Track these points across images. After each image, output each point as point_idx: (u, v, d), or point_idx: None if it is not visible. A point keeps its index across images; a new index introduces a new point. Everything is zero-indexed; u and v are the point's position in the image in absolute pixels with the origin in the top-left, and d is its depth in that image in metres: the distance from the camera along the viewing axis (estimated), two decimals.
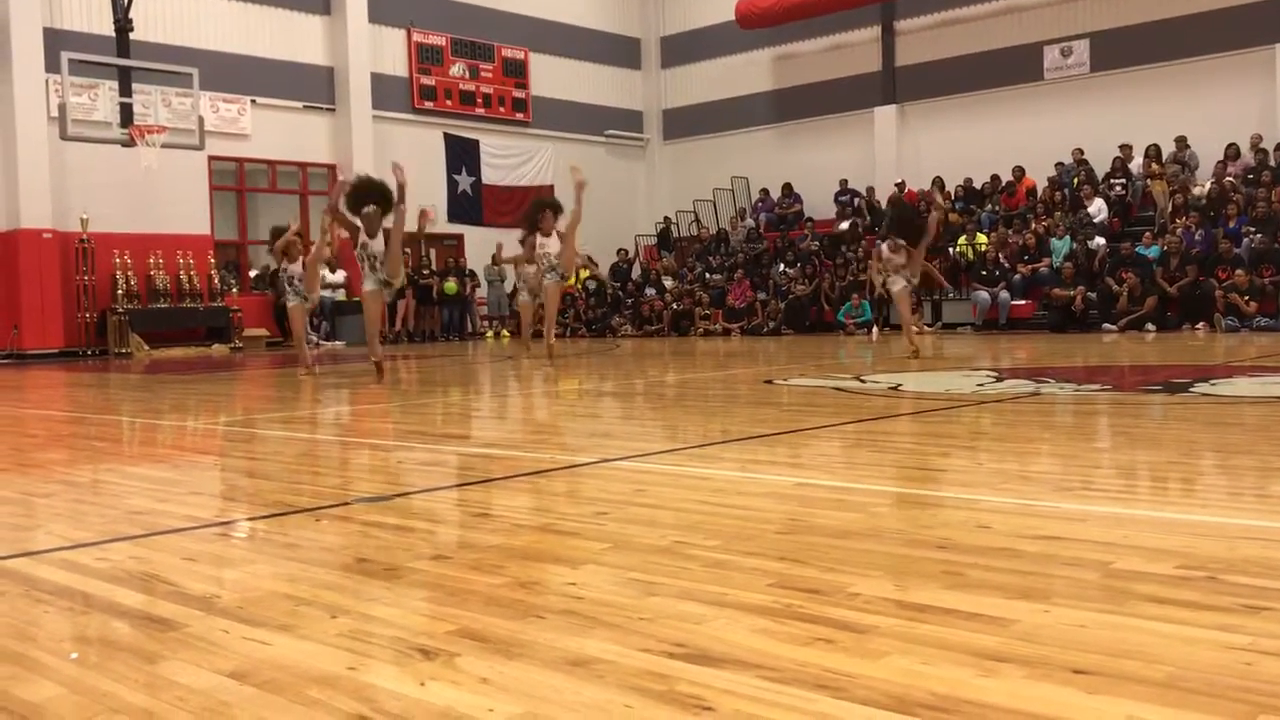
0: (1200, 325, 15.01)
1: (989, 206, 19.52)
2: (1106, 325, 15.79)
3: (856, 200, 21.57)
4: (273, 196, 20.77)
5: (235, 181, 20.13)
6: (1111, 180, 18.38)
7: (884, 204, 20.90)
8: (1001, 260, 17.67)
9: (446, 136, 22.64)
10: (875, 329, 17.78)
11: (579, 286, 21.14)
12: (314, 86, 20.63)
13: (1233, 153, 17.37)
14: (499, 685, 1.82)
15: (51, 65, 16.49)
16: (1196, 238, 16.12)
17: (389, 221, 9.37)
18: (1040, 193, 19.02)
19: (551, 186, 24.01)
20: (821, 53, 23.26)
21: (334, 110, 20.90)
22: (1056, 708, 1.64)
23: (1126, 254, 16.28)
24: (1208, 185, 17.17)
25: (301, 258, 10.90)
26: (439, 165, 22.54)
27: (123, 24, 16.25)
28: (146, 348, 17.50)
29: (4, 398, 9.76)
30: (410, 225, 10.07)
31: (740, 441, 5.02)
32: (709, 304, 20.27)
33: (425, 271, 21.27)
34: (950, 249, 18.62)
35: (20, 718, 1.76)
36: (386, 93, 21.45)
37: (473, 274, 22.14)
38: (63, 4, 17.62)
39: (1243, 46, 17.90)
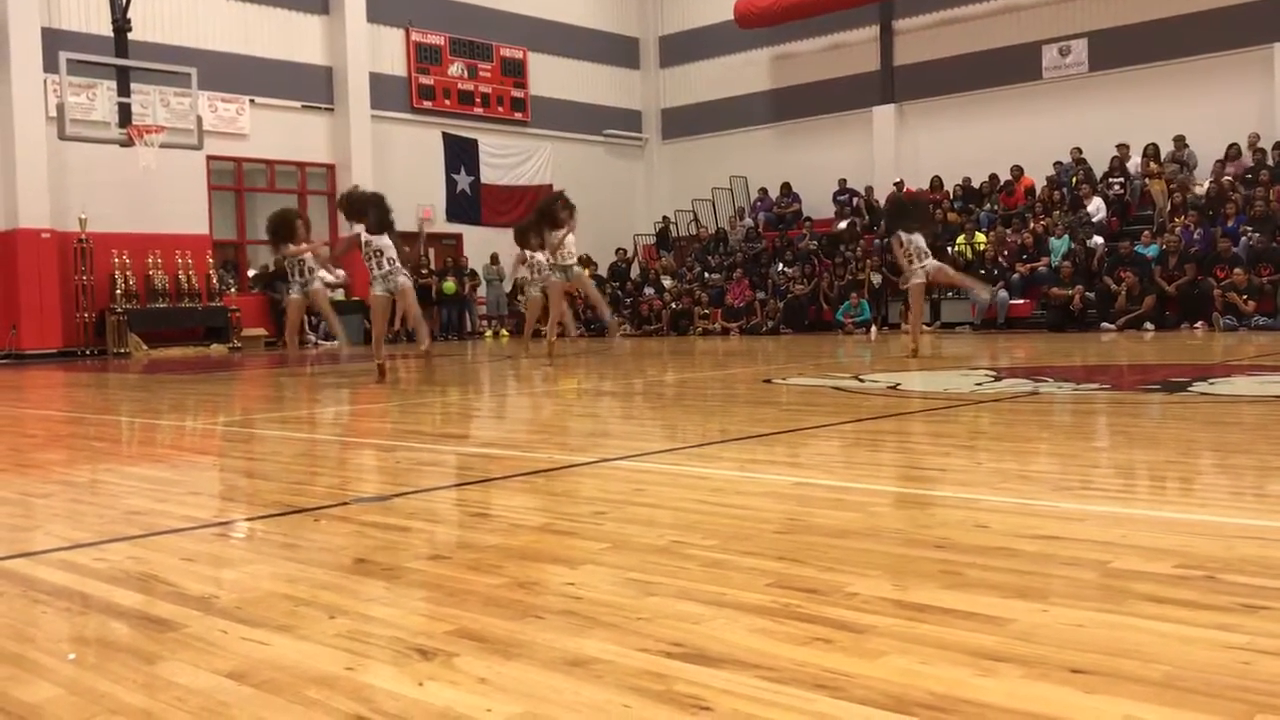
0: (1198, 324, 15.02)
1: (987, 206, 19.53)
2: (1105, 324, 15.79)
3: (855, 200, 21.58)
4: (271, 196, 20.73)
5: (234, 181, 20.12)
6: (1110, 180, 18.39)
7: (883, 204, 20.92)
8: (1000, 259, 17.67)
9: (445, 136, 22.64)
10: (874, 328, 17.79)
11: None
12: (312, 86, 20.63)
13: (1234, 153, 17.38)
14: (497, 685, 1.82)
15: (50, 65, 16.48)
16: (1195, 237, 16.12)
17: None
18: (1039, 192, 19.03)
19: (550, 186, 24.03)
20: (820, 52, 23.26)
21: (332, 110, 20.89)
22: (1054, 707, 1.64)
23: (1125, 253, 16.29)
24: (1206, 184, 17.18)
25: (314, 250, 10.82)
26: (437, 165, 22.54)
27: (121, 24, 16.25)
28: (145, 347, 17.49)
29: (2, 398, 9.75)
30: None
31: (739, 441, 5.02)
32: (708, 303, 20.28)
33: (424, 271, 21.26)
34: (949, 248, 18.62)
35: (18, 719, 1.76)
36: (385, 92, 21.44)
37: (473, 273, 22.15)
38: (61, 4, 17.61)
39: (1240, 46, 17.91)
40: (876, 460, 4.48)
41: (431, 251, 22.42)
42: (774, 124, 24.01)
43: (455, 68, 22.76)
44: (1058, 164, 19.10)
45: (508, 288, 22.49)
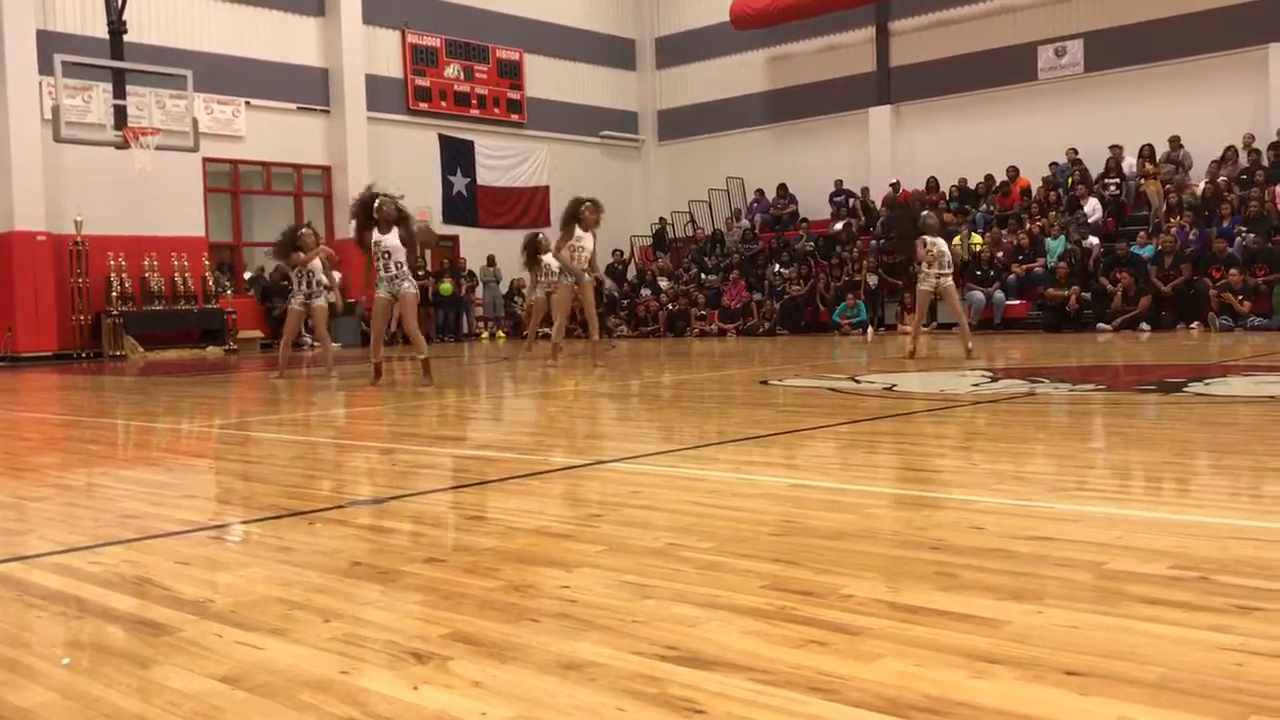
0: (1194, 325, 15.04)
1: (983, 206, 19.55)
2: (1101, 325, 15.81)
3: (851, 201, 21.59)
4: (267, 198, 20.76)
5: (230, 183, 20.10)
6: (1106, 180, 18.41)
7: (879, 205, 20.95)
8: (996, 260, 17.69)
9: (441, 138, 22.63)
10: (870, 329, 17.81)
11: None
12: (308, 88, 20.62)
13: (1231, 155, 17.41)
14: (492, 689, 1.81)
15: (45, 67, 16.46)
16: (1190, 237, 16.15)
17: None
18: (1035, 193, 19.06)
19: (547, 188, 24.04)
20: (816, 53, 23.27)
21: (328, 112, 20.88)
22: (1049, 709, 1.64)
23: (1121, 254, 16.31)
24: (1202, 185, 17.21)
25: (320, 256, 10.85)
26: (434, 166, 22.53)
27: (116, 26, 16.23)
28: (141, 350, 17.47)
29: None
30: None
31: (735, 443, 5.02)
32: (704, 304, 20.28)
33: (420, 273, 21.24)
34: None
35: None
36: (381, 94, 21.44)
37: (471, 275, 22.14)
38: (56, 6, 17.59)
39: (1235, 46, 17.94)
40: (872, 462, 4.48)
41: (428, 253, 22.40)
42: (770, 125, 24.03)
43: (451, 69, 22.75)
44: (1053, 165, 19.12)
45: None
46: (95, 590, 2.60)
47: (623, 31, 25.96)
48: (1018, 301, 17.31)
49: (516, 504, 3.66)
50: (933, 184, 20.44)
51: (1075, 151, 18.95)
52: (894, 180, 21.13)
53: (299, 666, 1.96)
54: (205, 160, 18.78)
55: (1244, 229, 15.79)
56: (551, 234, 14.15)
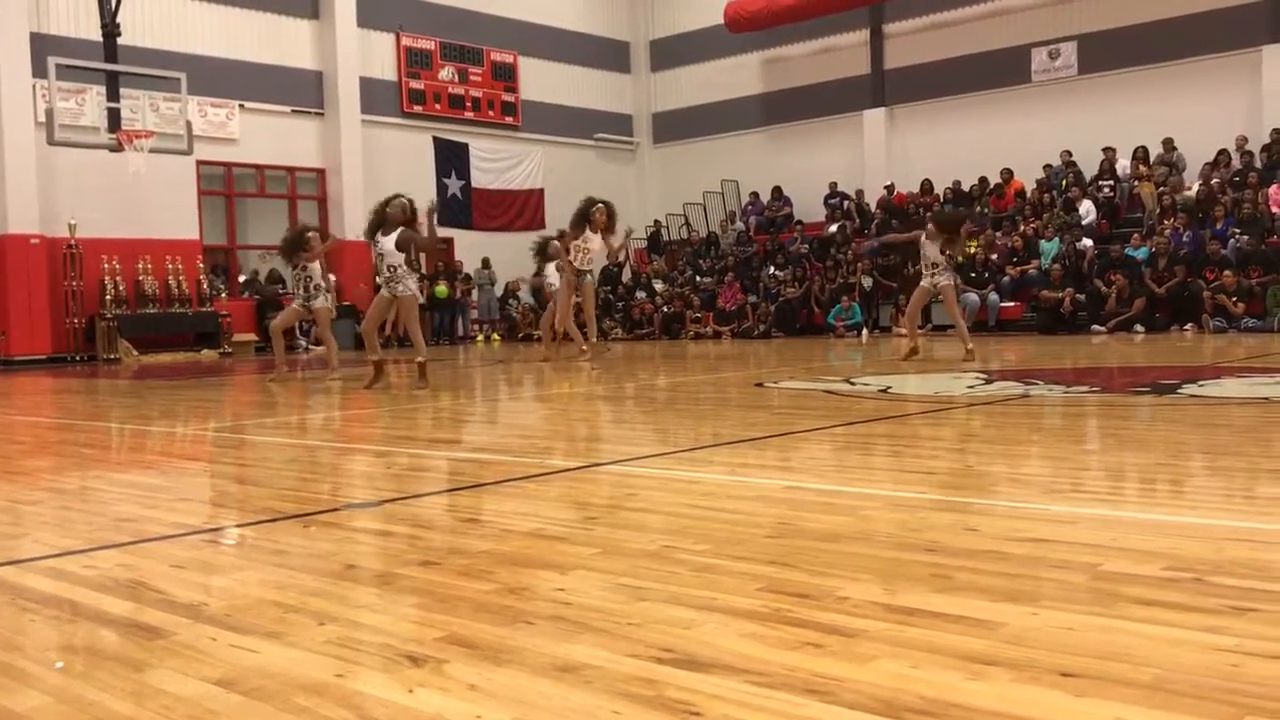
0: (1188, 326, 15.07)
1: (978, 208, 19.57)
2: (1095, 327, 15.83)
3: (846, 203, 21.61)
4: (261, 201, 20.73)
5: (224, 186, 20.07)
6: (1100, 182, 18.45)
7: (874, 207, 20.97)
8: (990, 262, 17.72)
9: (436, 140, 22.62)
10: (865, 331, 17.83)
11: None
12: (302, 91, 20.60)
13: (1224, 159, 17.45)
14: (487, 692, 1.81)
15: (39, 70, 16.43)
16: (1184, 239, 16.18)
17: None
18: (1029, 195, 19.09)
19: (542, 190, 24.04)
20: (810, 56, 23.30)
21: (323, 114, 20.86)
22: (1044, 710, 1.65)
23: (1115, 255, 16.34)
24: (1195, 187, 17.25)
25: (320, 260, 10.83)
26: (428, 169, 22.50)
27: (110, 29, 16.20)
28: (135, 353, 17.43)
29: None
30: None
31: (730, 445, 5.02)
32: (699, 307, 20.29)
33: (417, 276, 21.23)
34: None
35: None
36: (375, 97, 21.42)
37: (467, 278, 22.13)
38: (49, 8, 17.55)
39: (1229, 49, 17.99)
40: (867, 464, 4.48)
41: (422, 256, 22.37)
42: (765, 128, 24.04)
43: (446, 72, 22.74)
44: (1048, 167, 19.15)
45: (499, 291, 22.53)
46: (89, 594, 2.59)
47: (617, 34, 25.97)
48: (1012, 303, 17.34)
49: (512, 507, 3.66)
50: (927, 186, 20.47)
51: (1069, 154, 18.98)
52: (889, 183, 21.15)
53: (294, 670, 1.96)
54: (199, 163, 18.75)
55: (1238, 231, 15.83)
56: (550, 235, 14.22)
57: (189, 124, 16.93)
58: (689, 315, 20.21)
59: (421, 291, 10.56)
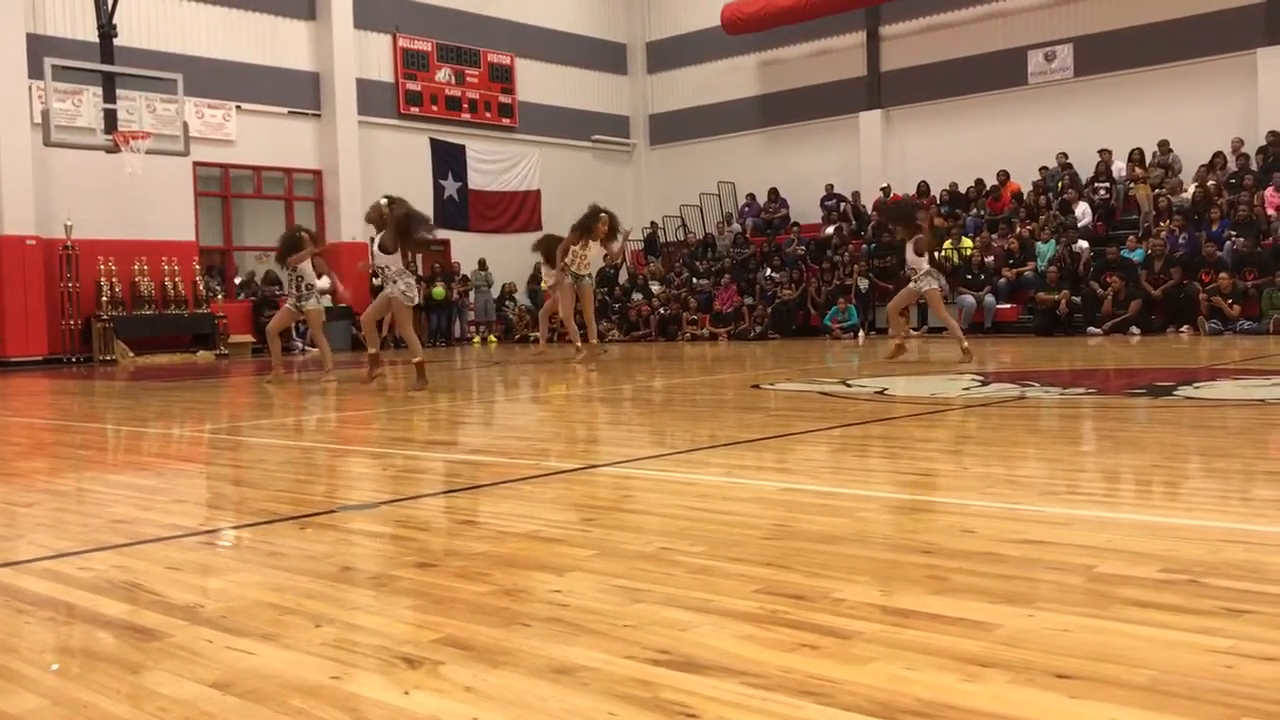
0: (1184, 328, 15.09)
1: (974, 211, 19.60)
2: (1091, 328, 15.85)
3: (842, 205, 21.64)
4: (258, 202, 20.72)
5: (220, 187, 20.06)
6: (1095, 184, 18.48)
7: (870, 209, 20.99)
8: (987, 264, 17.74)
9: (432, 142, 22.61)
10: (861, 333, 17.84)
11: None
12: (299, 92, 20.59)
13: (1220, 162, 17.48)
14: (483, 694, 1.81)
15: (35, 71, 16.41)
16: (1180, 241, 16.21)
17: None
18: (1025, 196, 19.11)
19: (538, 191, 24.04)
20: (807, 58, 23.32)
21: (319, 116, 20.85)
22: (1040, 712, 1.65)
23: (1111, 257, 16.36)
24: (1192, 189, 17.28)
25: (313, 261, 10.83)
26: (425, 171, 22.50)
27: (106, 29, 16.18)
28: (131, 354, 17.42)
29: None
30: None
31: (727, 447, 5.02)
32: (696, 309, 20.30)
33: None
34: (936, 253, 18.68)
35: None
36: (372, 98, 21.42)
37: (465, 279, 22.12)
38: (46, 9, 17.54)
39: (1224, 51, 18.03)
40: (864, 466, 4.48)
41: (419, 258, 22.37)
42: (761, 129, 24.06)
43: (443, 73, 22.74)
44: (1044, 169, 19.18)
45: (495, 293, 22.53)
46: (85, 595, 2.59)
47: (614, 36, 25.98)
48: (1008, 305, 17.36)
49: (508, 508, 3.66)
50: (923, 188, 20.49)
51: (1065, 156, 19.01)
52: (885, 184, 21.17)
53: (290, 672, 1.95)
54: (196, 164, 18.74)
55: (1233, 233, 15.86)
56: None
57: (185, 125, 16.91)
58: (685, 317, 20.22)
59: (420, 294, 10.54)
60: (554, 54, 24.56)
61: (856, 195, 21.54)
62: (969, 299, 17.40)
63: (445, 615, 2.29)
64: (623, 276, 22.93)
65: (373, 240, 9.22)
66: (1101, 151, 18.50)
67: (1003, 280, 17.45)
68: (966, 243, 18.56)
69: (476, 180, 23.31)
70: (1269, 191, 16.27)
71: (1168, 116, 18.31)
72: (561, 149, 24.58)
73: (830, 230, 20.81)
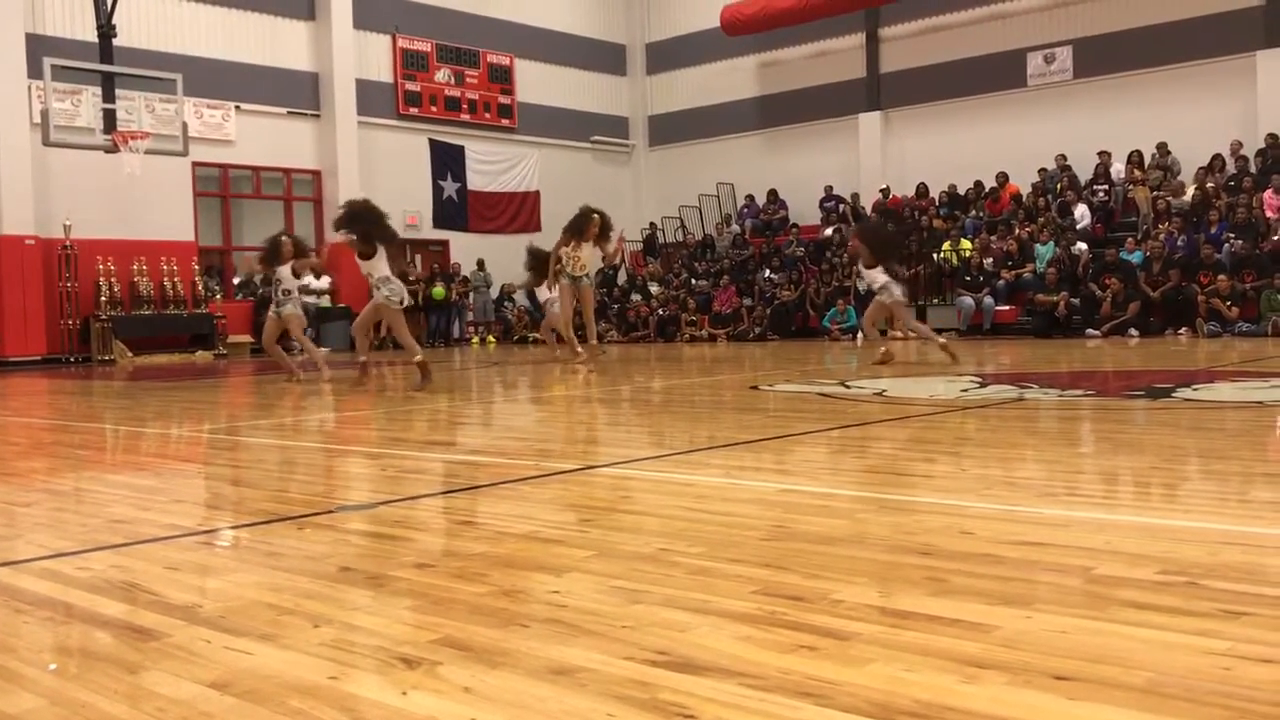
0: (1183, 330, 15.10)
1: (973, 212, 19.61)
2: (1090, 330, 15.86)
3: (841, 206, 21.64)
4: (257, 203, 20.72)
5: (219, 187, 20.06)
6: (1094, 186, 18.49)
7: (869, 210, 21.00)
8: (985, 266, 17.74)
9: (432, 142, 22.62)
10: (860, 334, 17.82)
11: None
12: (299, 92, 20.59)
13: (1219, 164, 17.49)
14: (482, 694, 1.81)
15: (34, 71, 16.41)
16: (1179, 243, 16.22)
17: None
18: (1024, 198, 19.12)
19: (537, 192, 24.04)
20: (806, 59, 23.33)
21: (319, 116, 20.86)
22: (1038, 714, 1.65)
23: (1110, 259, 16.37)
24: (1191, 191, 17.29)
25: (291, 263, 10.83)
26: (424, 171, 22.52)
27: (106, 29, 16.18)
28: (130, 354, 17.41)
29: None
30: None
31: (726, 448, 5.02)
32: (695, 310, 20.30)
33: (411, 278, 21.21)
34: (935, 255, 18.72)
35: None
36: (371, 98, 21.42)
37: (464, 280, 22.11)
38: (45, 9, 17.54)
39: (1223, 54, 18.05)
40: (862, 467, 4.49)
41: (418, 258, 22.39)
42: (761, 131, 24.07)
43: (442, 74, 22.75)
44: (1043, 171, 19.18)
45: (494, 294, 22.54)
46: (83, 595, 2.59)
47: (614, 37, 25.99)
48: (1007, 307, 17.36)
49: (506, 509, 3.66)
50: (922, 190, 20.51)
51: (1064, 158, 19.01)
52: (884, 186, 21.18)
53: (288, 672, 1.95)
54: (195, 164, 18.74)
55: (1232, 235, 15.87)
56: (545, 238, 14.28)
57: (185, 125, 16.91)
58: (684, 318, 20.22)
59: (416, 296, 10.49)
60: (553, 55, 24.56)
61: (855, 197, 21.55)
62: (968, 301, 17.41)
63: (444, 616, 2.29)
64: (622, 277, 22.93)
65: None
66: (1100, 153, 18.52)
67: (1001, 282, 17.45)
68: (965, 244, 18.57)
69: (476, 181, 23.31)
70: (1268, 194, 16.29)
71: (1167, 118, 18.32)
72: (561, 150, 24.58)
73: (829, 231, 20.81)
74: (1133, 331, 15.43)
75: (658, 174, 26.02)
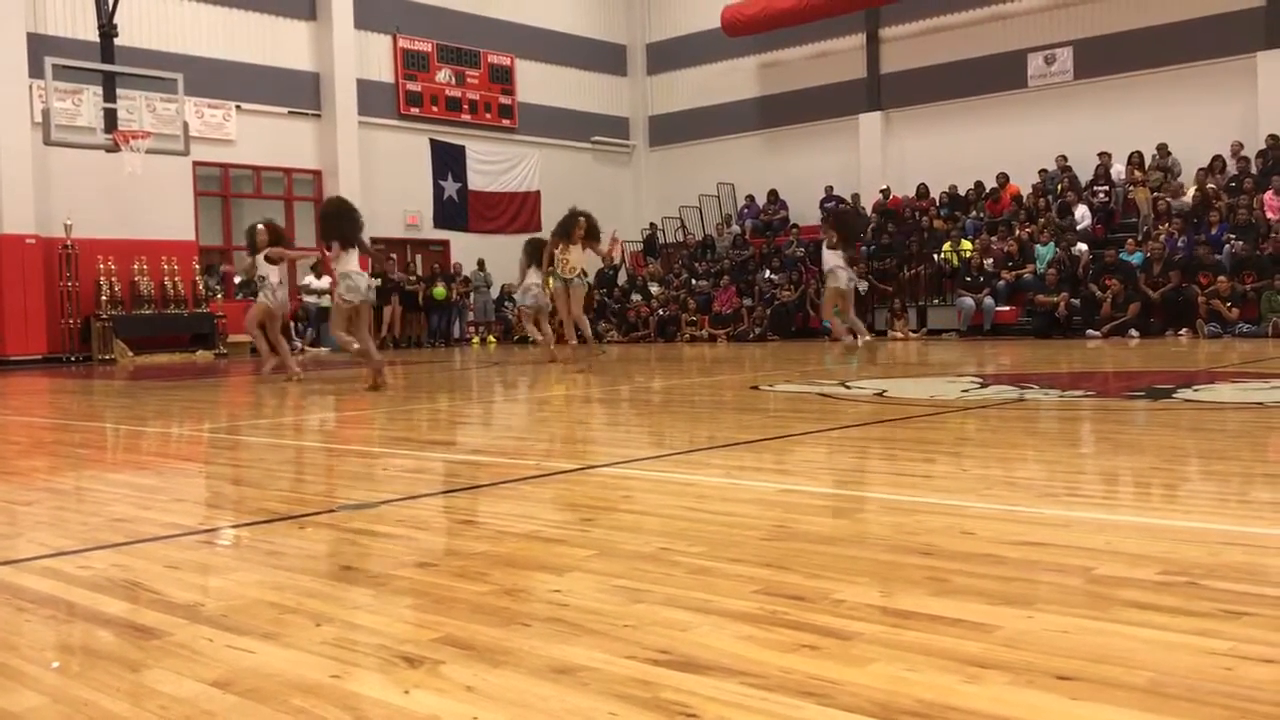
0: (1183, 331, 15.10)
1: (973, 213, 19.61)
2: (1090, 331, 15.86)
3: (841, 207, 21.61)
4: (258, 202, 20.70)
5: (220, 187, 20.06)
6: (1095, 187, 18.49)
7: (869, 211, 21.01)
8: (986, 266, 17.74)
9: (432, 143, 22.62)
10: (860, 335, 17.80)
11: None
12: (299, 92, 20.59)
13: (1219, 165, 17.49)
14: (484, 693, 1.81)
15: (35, 70, 16.41)
16: (1179, 244, 16.22)
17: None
18: (1024, 199, 19.12)
19: (538, 192, 24.04)
20: (807, 60, 23.33)
21: (319, 116, 20.85)
22: (1039, 714, 1.65)
23: (1110, 260, 16.37)
24: (1191, 192, 17.29)
25: (261, 255, 10.79)
26: (425, 171, 22.52)
27: (107, 29, 16.18)
28: (130, 354, 17.41)
29: None
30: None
31: (726, 448, 5.02)
32: (695, 310, 20.30)
33: (412, 278, 21.23)
34: (935, 255, 18.71)
35: None
36: (372, 98, 21.42)
37: (465, 280, 22.12)
38: (46, 9, 17.54)
39: (1224, 55, 18.04)
40: (863, 467, 4.49)
41: (419, 258, 22.41)
42: (761, 131, 24.07)
43: (443, 74, 22.75)
44: (1043, 171, 19.18)
45: (495, 294, 22.54)
46: (85, 594, 2.59)
47: (614, 37, 25.99)
48: (1007, 308, 17.36)
49: (508, 508, 3.66)
50: (923, 190, 20.51)
51: (1065, 158, 19.01)
52: (884, 186, 21.18)
53: (290, 671, 1.96)
54: (195, 164, 18.74)
55: (1232, 236, 15.86)
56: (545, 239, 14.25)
57: (185, 125, 16.90)
58: (684, 318, 20.22)
59: (373, 292, 10.51)
60: (554, 55, 24.56)
61: (856, 197, 21.54)
62: (968, 301, 17.41)
63: (445, 615, 2.29)
64: (622, 277, 22.93)
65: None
66: (1101, 154, 18.51)
67: (1002, 283, 17.45)
68: (966, 245, 18.57)
69: (476, 181, 23.31)
70: (1268, 195, 16.28)
71: (1167, 119, 18.32)
72: (561, 150, 24.58)
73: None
74: (1133, 332, 15.43)
75: (658, 174, 26.02)
